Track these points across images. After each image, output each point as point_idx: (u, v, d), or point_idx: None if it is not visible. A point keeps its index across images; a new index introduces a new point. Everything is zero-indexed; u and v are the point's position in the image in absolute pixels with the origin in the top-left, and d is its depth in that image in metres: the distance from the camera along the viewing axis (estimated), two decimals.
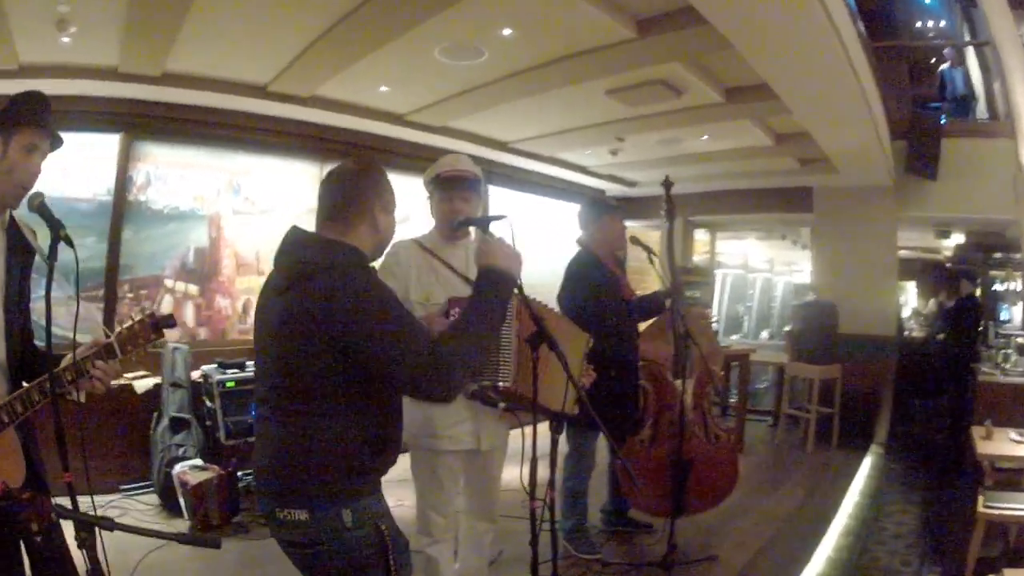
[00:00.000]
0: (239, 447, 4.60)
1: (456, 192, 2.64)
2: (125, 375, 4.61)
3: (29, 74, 4.16)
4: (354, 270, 1.63)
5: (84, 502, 1.70)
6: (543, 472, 2.18)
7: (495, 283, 1.77)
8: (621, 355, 3.70)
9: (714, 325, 8.29)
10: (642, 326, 4.08)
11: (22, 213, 1.94)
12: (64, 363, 1.87)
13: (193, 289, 5.46)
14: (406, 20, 3.86)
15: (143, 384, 4.85)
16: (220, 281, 5.58)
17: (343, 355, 1.56)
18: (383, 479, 1.79)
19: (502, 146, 7.11)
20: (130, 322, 1.94)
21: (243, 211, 5.66)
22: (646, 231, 8.82)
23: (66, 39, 3.78)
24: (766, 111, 5.51)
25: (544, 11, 3.87)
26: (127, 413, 4.80)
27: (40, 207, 1.85)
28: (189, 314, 5.44)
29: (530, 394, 2.07)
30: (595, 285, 3.78)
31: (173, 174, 5.31)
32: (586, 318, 3.18)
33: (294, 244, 1.74)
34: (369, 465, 1.69)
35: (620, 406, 3.74)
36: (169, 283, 5.34)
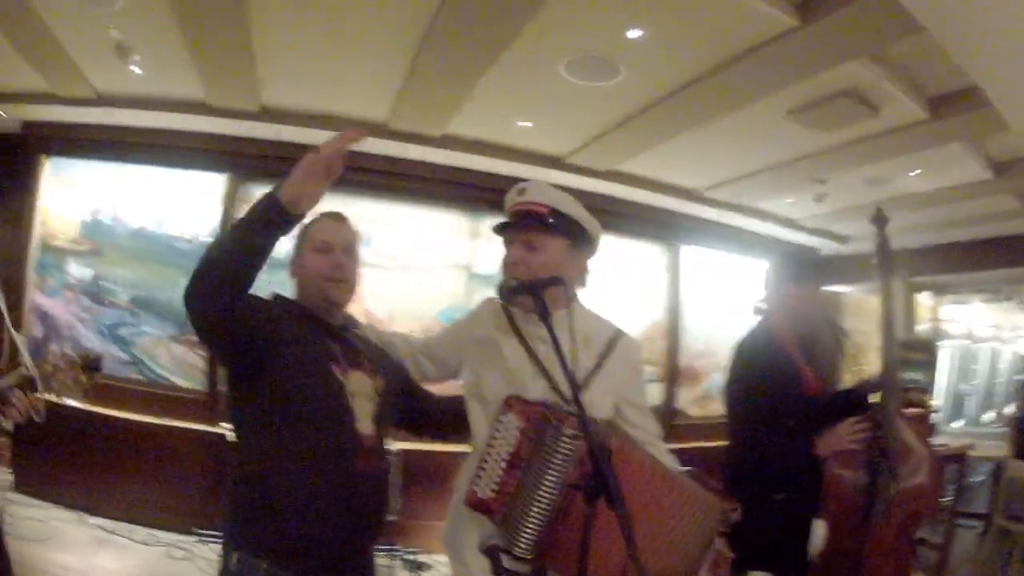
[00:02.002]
0: None
1: (516, 235, 1.72)
2: None
3: (107, 103, 4.15)
4: None
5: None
6: None
7: (262, 203, 1.48)
8: (795, 474, 2.59)
9: (934, 415, 6.68)
10: None
11: None
12: None
13: None
14: (503, 24, 3.17)
15: None
16: None
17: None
18: None
19: (690, 195, 6.03)
20: (60, 360, 2.05)
21: (374, 264, 5.12)
22: (862, 296, 7.38)
23: (136, 68, 3.69)
24: (978, 127, 4.13)
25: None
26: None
27: None
28: None
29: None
30: (765, 374, 2.70)
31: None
32: (749, 421, 2.62)
33: None
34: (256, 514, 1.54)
35: (785, 547, 2.61)
36: None
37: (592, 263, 1.83)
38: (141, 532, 4.32)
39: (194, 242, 4.80)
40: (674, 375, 6.26)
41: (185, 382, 4.79)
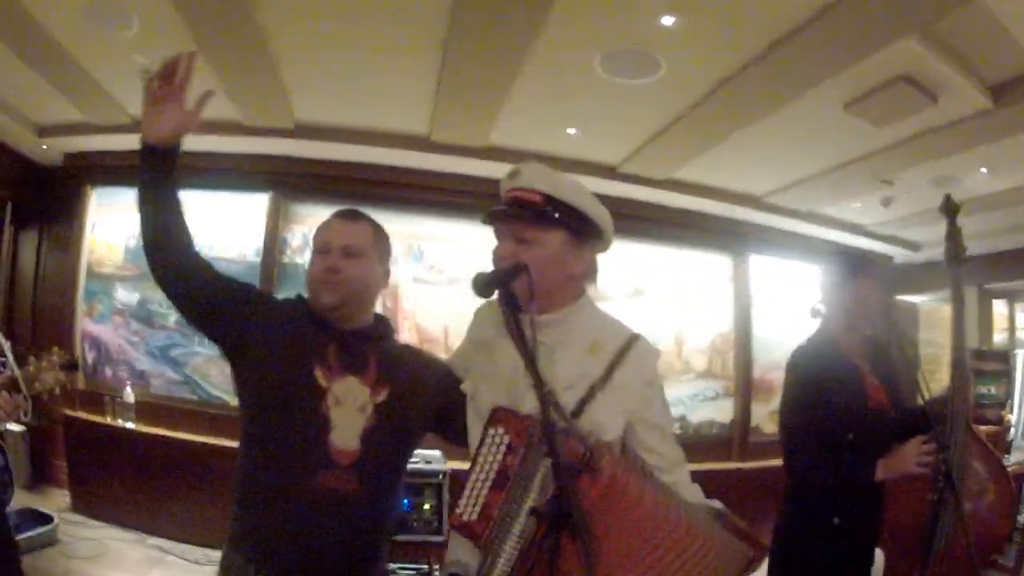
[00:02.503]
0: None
1: (507, 227, 1.48)
2: None
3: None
4: None
5: None
6: None
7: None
8: (854, 496, 2.29)
9: (1011, 431, 6.23)
10: None
11: None
12: None
13: None
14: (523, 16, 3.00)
15: None
16: None
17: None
18: None
19: (754, 202, 5.72)
20: (41, 362, 2.16)
21: (426, 280, 5.05)
22: (936, 306, 7.03)
23: None
24: None
25: None
26: None
27: None
28: None
29: None
30: (822, 382, 2.40)
31: None
32: (804, 435, 2.34)
33: None
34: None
35: None
36: None
37: (602, 259, 1.57)
38: (196, 552, 4.29)
39: (240, 262, 4.81)
40: (746, 389, 5.98)
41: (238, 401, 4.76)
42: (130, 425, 4.79)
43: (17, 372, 2.13)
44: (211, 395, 4.85)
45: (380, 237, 1.72)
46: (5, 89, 4.16)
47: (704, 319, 5.90)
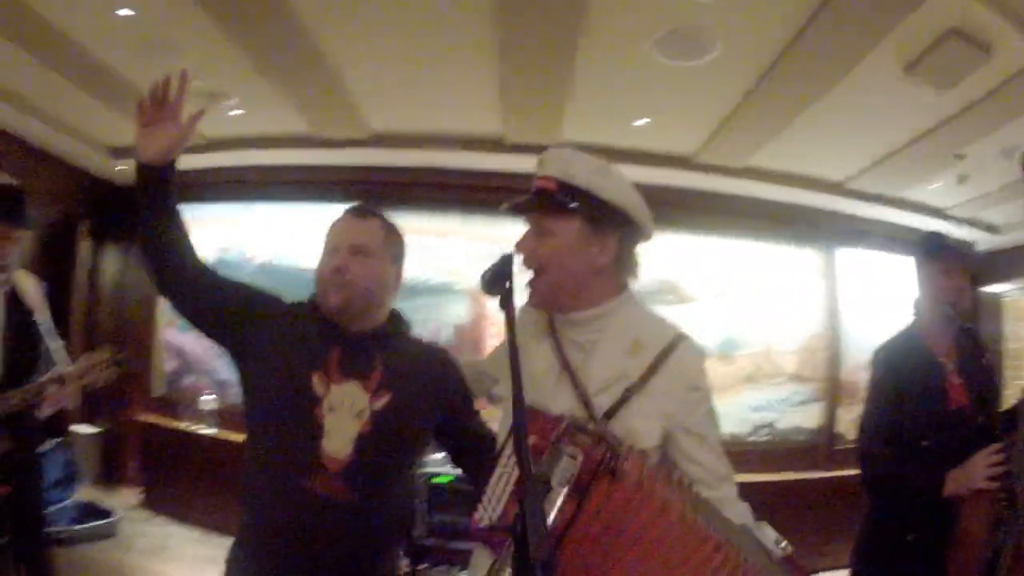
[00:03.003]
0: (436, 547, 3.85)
1: (528, 218, 1.42)
2: None
3: (217, 147, 4.55)
4: None
5: None
6: None
7: None
8: (929, 508, 2.05)
9: None
10: None
11: None
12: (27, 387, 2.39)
13: None
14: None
15: None
16: None
17: None
18: None
19: (835, 188, 5.35)
20: (91, 359, 2.48)
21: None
22: (1022, 296, 6.53)
23: (235, 112, 3.99)
24: None
25: None
26: None
27: None
28: None
29: None
30: (902, 381, 2.21)
31: (420, 244, 4.90)
32: (877, 438, 2.20)
33: None
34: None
35: None
36: None
37: (643, 250, 1.42)
38: None
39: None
40: (833, 392, 5.65)
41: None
42: (205, 430, 4.92)
43: (65, 369, 2.46)
44: None
45: (392, 235, 1.66)
46: (77, 119, 4.48)
47: (793, 318, 5.58)
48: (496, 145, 4.42)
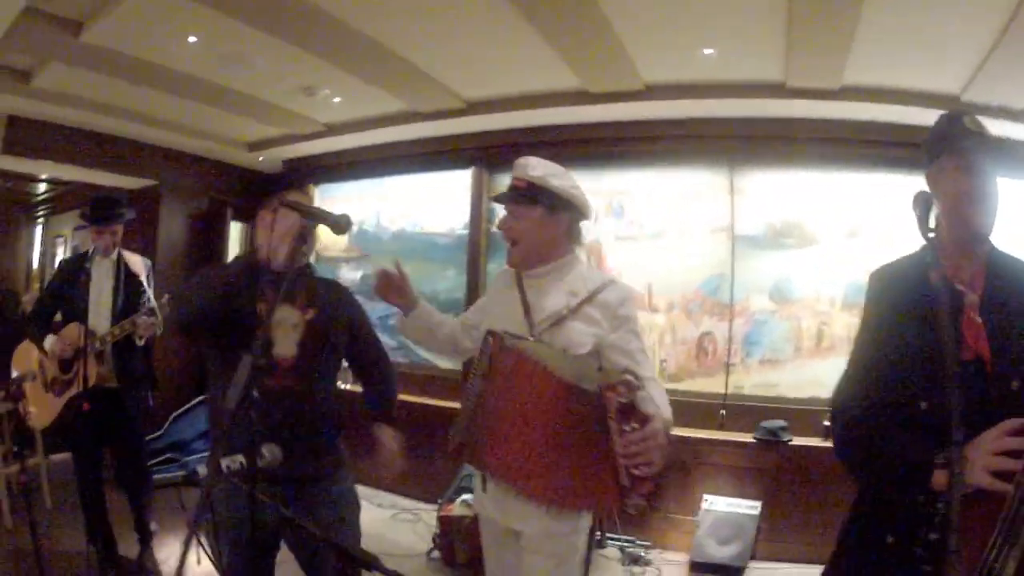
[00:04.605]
0: None
1: (506, 205, 2.02)
2: None
3: (340, 131, 5.16)
4: None
5: None
6: None
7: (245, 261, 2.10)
8: (919, 514, 1.35)
9: None
10: None
11: None
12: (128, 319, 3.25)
13: None
14: None
15: None
16: None
17: None
18: None
19: (954, 101, 3.76)
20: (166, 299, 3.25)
21: (628, 236, 4.72)
22: None
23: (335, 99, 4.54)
24: None
25: None
26: None
27: None
28: None
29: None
30: (897, 316, 1.51)
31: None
32: (853, 398, 1.50)
33: None
34: None
35: None
36: None
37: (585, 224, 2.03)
38: (381, 497, 4.72)
39: (450, 235, 5.11)
40: None
41: (445, 364, 5.03)
42: (347, 387, 5.22)
43: (153, 302, 3.26)
44: (421, 359, 5.12)
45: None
46: (212, 123, 5.26)
47: None
48: (583, 96, 4.24)
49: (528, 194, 1.92)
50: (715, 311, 4.36)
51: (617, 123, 4.54)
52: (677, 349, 4.39)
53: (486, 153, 4.97)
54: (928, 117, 3.21)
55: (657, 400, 1.72)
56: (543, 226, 1.92)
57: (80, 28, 3.49)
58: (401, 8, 3.27)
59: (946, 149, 1.53)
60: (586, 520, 1.88)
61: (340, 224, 1.56)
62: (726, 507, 3.85)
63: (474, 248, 4.96)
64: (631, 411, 1.60)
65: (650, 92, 4.07)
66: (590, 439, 1.70)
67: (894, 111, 3.89)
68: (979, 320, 1.42)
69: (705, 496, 3.95)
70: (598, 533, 3.95)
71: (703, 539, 3.80)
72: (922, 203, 1.34)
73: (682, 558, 3.89)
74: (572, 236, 1.99)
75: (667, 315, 4.44)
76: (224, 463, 1.62)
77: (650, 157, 4.64)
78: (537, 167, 1.93)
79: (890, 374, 1.45)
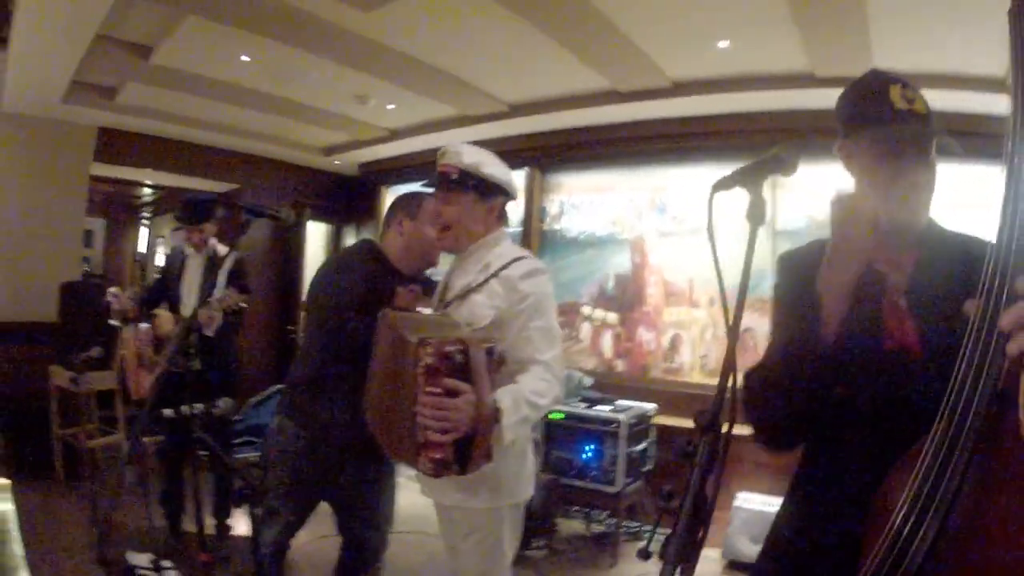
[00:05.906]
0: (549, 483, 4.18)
1: (437, 192, 2.06)
2: None
3: (402, 135, 5.52)
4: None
5: None
6: None
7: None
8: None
9: None
10: None
11: None
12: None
13: (612, 317, 5.10)
14: None
15: None
16: (644, 311, 5.00)
17: None
18: None
19: (999, 85, 3.61)
20: (225, 293, 3.49)
21: (671, 232, 4.88)
22: None
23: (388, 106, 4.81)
24: None
25: None
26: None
27: None
28: (607, 343, 5.11)
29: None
30: (806, 298, 1.20)
31: (587, 200, 5.17)
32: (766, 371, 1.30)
33: None
34: None
35: None
36: (586, 310, 5.14)
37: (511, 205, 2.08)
38: None
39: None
40: None
41: None
42: None
43: (217, 295, 3.44)
44: None
45: None
46: (285, 131, 5.74)
47: None
48: (614, 95, 4.37)
49: (459, 181, 1.95)
50: (756, 307, 4.43)
51: (651, 121, 4.67)
52: (718, 344, 4.41)
53: (538, 153, 5.15)
54: (970, 102, 3.54)
55: (529, 384, 1.74)
56: (474, 211, 1.97)
57: (149, 52, 3.92)
58: (429, 24, 3.52)
59: (866, 126, 1.29)
60: (502, 495, 1.86)
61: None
62: (759, 505, 3.83)
63: (526, 246, 5.08)
64: (437, 374, 1.59)
65: (678, 89, 4.16)
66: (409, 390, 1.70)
67: (933, 96, 3.71)
68: (903, 304, 1.22)
69: (737, 493, 3.95)
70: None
71: (734, 536, 3.83)
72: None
73: (715, 554, 3.91)
74: (500, 217, 2.05)
75: (708, 310, 4.50)
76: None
77: (688, 153, 4.72)
78: (468, 154, 1.97)
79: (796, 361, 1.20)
